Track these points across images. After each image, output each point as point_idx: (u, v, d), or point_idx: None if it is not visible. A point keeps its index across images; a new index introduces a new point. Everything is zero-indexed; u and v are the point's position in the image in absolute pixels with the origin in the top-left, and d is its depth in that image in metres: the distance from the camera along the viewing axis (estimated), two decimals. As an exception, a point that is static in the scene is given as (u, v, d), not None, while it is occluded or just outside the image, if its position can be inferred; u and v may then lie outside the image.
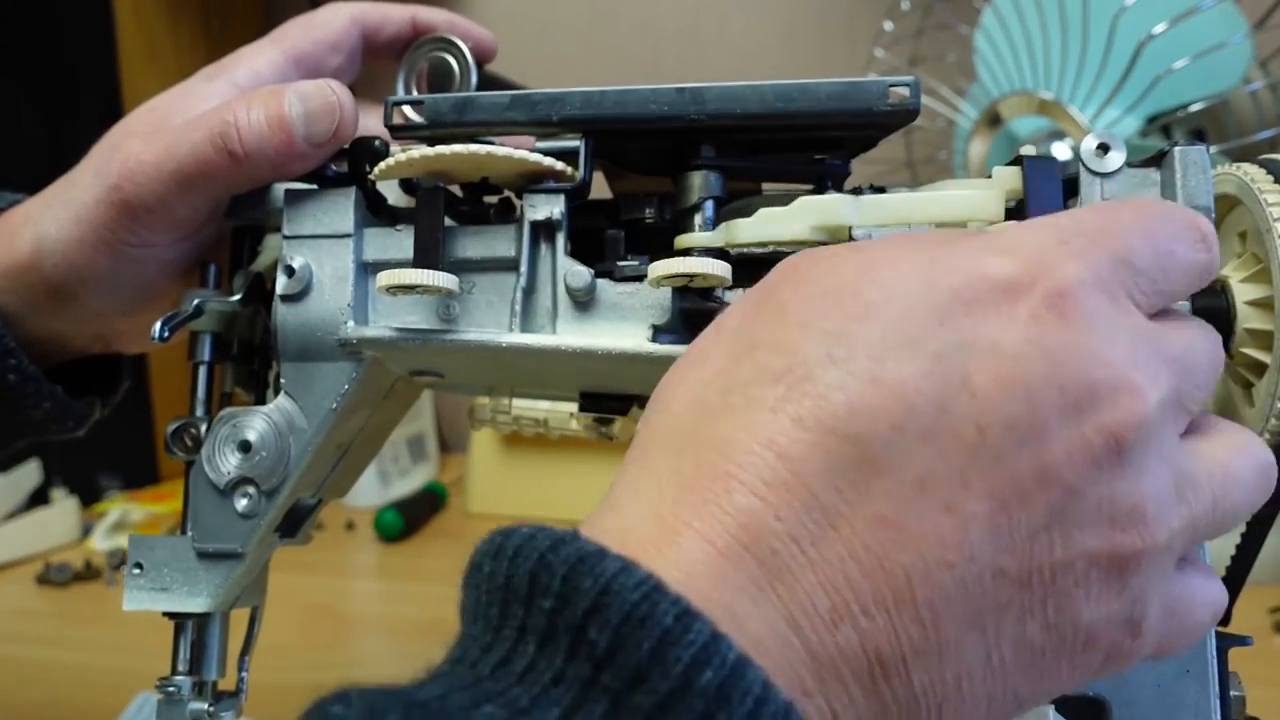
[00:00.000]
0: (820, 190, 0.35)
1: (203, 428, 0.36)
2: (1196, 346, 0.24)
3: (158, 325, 0.34)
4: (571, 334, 0.33)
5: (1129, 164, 0.31)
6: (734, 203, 0.35)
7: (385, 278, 0.32)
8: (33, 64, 0.97)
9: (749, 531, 0.20)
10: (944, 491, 0.20)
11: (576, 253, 0.34)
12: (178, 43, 1.03)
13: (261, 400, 0.38)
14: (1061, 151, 0.73)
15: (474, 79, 0.40)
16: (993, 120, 0.76)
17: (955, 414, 0.21)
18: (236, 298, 0.36)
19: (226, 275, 0.38)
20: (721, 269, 0.31)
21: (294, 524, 0.38)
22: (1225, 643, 0.30)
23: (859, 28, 0.94)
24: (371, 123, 0.39)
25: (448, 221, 0.34)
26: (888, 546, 0.20)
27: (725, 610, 0.19)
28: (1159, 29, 0.66)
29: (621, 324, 0.33)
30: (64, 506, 0.89)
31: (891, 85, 0.32)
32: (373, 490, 0.96)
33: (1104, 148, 0.32)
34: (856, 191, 0.34)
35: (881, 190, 0.34)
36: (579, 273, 0.33)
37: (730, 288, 0.32)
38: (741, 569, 0.20)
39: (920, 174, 0.85)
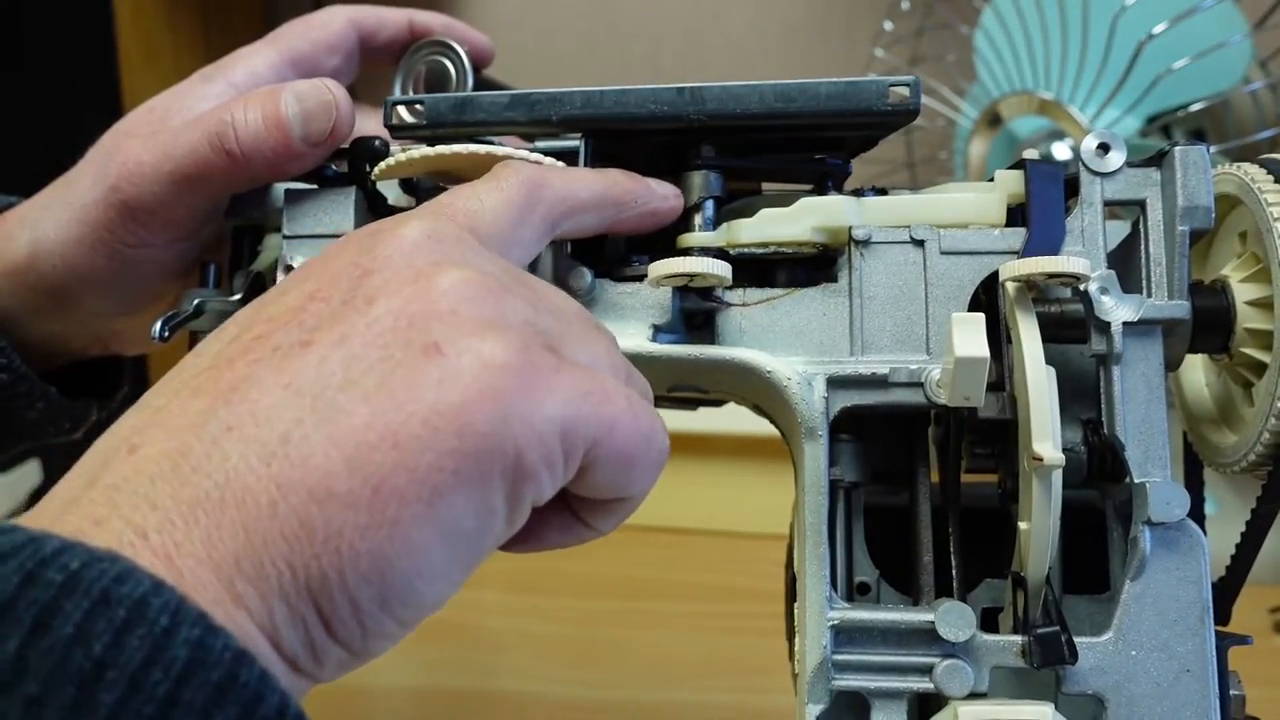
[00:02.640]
0: (821, 190, 0.35)
1: None
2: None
3: (157, 325, 0.34)
4: None
5: (1129, 164, 0.32)
6: (734, 203, 0.35)
7: None
8: (33, 64, 0.97)
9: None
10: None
11: (577, 252, 0.34)
12: (177, 43, 1.02)
13: None
14: (1061, 151, 0.73)
15: (470, 83, 0.40)
16: (993, 120, 0.76)
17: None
18: (237, 297, 0.36)
19: (227, 275, 0.38)
20: (722, 269, 0.31)
21: None
22: (1225, 642, 0.30)
23: (859, 28, 0.94)
24: (371, 124, 0.39)
25: None
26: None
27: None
28: (1159, 29, 0.66)
29: (622, 324, 0.33)
30: (64, 507, 0.89)
31: (892, 85, 0.32)
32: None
33: (1104, 147, 0.32)
34: (858, 193, 0.34)
35: (883, 192, 0.34)
36: (579, 273, 0.33)
37: (730, 287, 0.32)
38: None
39: (920, 174, 0.85)
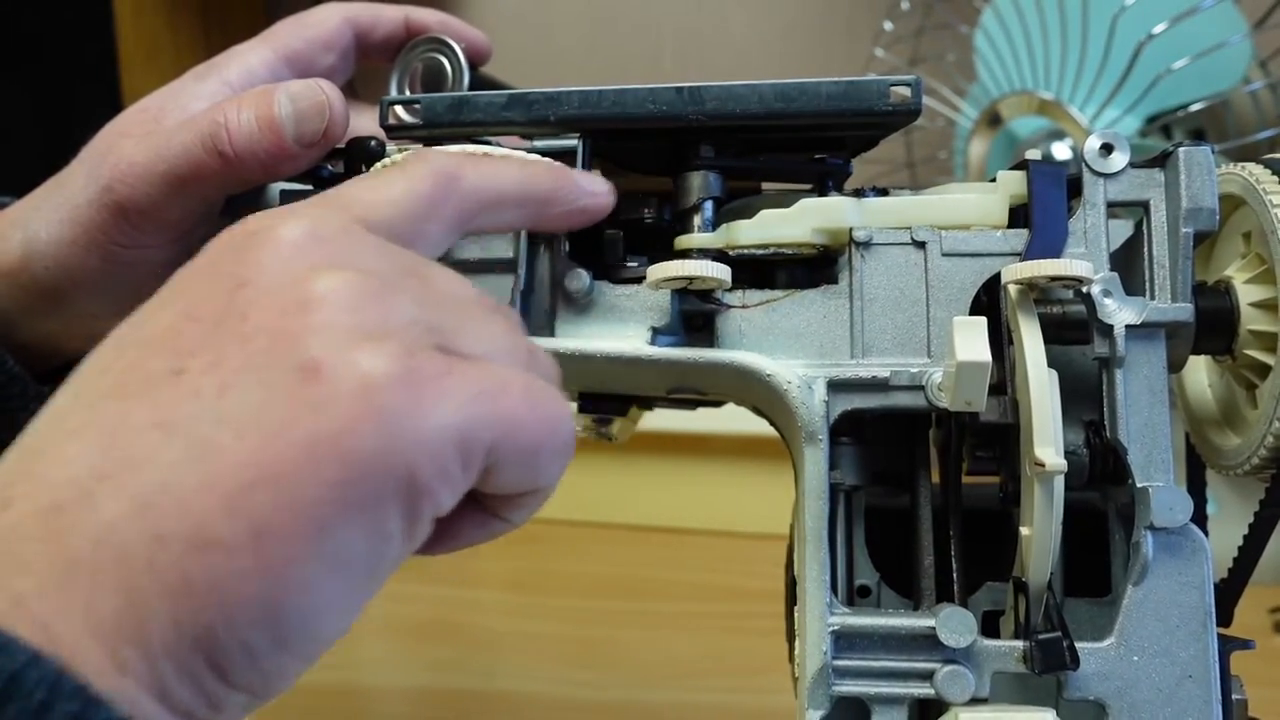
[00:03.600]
0: (821, 190, 0.34)
1: None
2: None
3: None
4: (570, 336, 0.33)
5: (1132, 164, 0.31)
6: (733, 203, 0.34)
7: None
8: (33, 64, 0.96)
9: None
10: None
11: (575, 253, 0.33)
12: (177, 43, 1.02)
13: None
14: (1061, 151, 0.73)
15: (467, 81, 0.40)
16: (993, 120, 0.76)
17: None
18: None
19: None
20: (721, 271, 0.31)
21: None
22: (1228, 646, 0.30)
23: (859, 28, 0.94)
24: (367, 122, 0.38)
25: None
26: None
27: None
28: (1159, 29, 0.66)
29: (621, 326, 0.33)
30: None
31: (893, 84, 0.31)
32: (373, 490, 0.95)
33: (1107, 148, 0.31)
34: (858, 193, 0.33)
35: (884, 192, 0.34)
36: (577, 275, 0.33)
37: (730, 289, 0.32)
38: None
39: (920, 174, 0.85)
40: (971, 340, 0.28)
